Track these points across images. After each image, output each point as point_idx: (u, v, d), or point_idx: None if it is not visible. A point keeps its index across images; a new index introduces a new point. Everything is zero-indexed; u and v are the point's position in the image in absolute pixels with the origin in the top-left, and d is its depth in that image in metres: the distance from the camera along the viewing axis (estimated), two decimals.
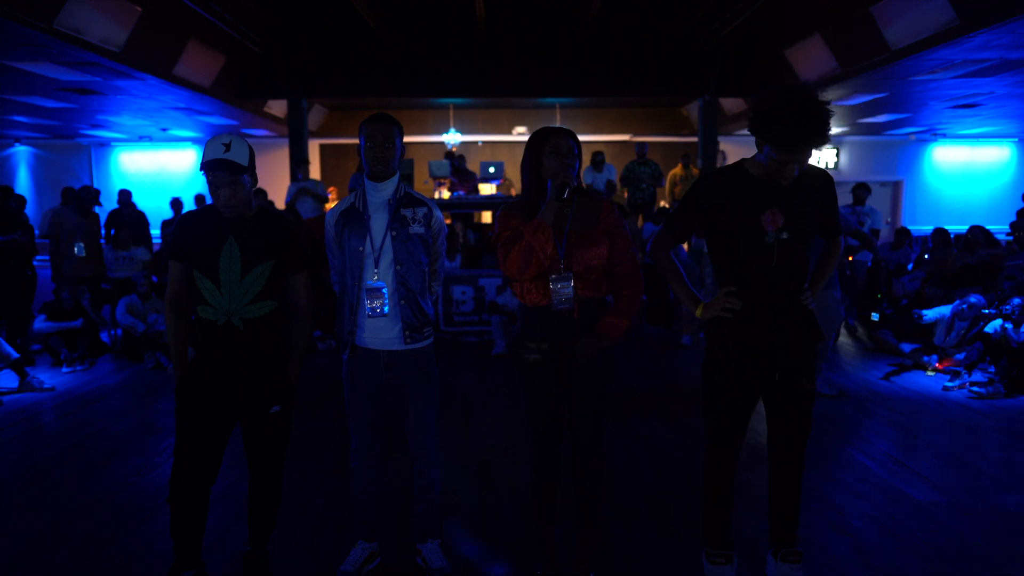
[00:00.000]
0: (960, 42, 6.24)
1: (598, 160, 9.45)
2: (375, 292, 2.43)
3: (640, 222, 9.04)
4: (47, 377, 5.57)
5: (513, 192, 10.13)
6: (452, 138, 12.43)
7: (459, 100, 12.26)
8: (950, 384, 5.29)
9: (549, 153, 2.34)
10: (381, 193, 2.47)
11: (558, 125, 2.48)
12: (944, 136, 14.67)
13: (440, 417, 2.69)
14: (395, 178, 2.50)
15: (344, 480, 3.47)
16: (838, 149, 15.00)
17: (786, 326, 2.31)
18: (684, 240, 2.53)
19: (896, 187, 15.36)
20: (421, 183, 9.98)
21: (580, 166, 2.38)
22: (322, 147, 14.36)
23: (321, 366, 6.05)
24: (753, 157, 2.29)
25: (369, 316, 2.45)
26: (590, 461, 2.47)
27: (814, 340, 2.37)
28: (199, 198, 10.21)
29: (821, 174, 2.34)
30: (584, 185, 2.45)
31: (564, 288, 2.32)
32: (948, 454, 3.95)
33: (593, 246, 2.35)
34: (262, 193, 8.50)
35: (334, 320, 7.29)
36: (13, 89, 8.65)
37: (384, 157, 2.41)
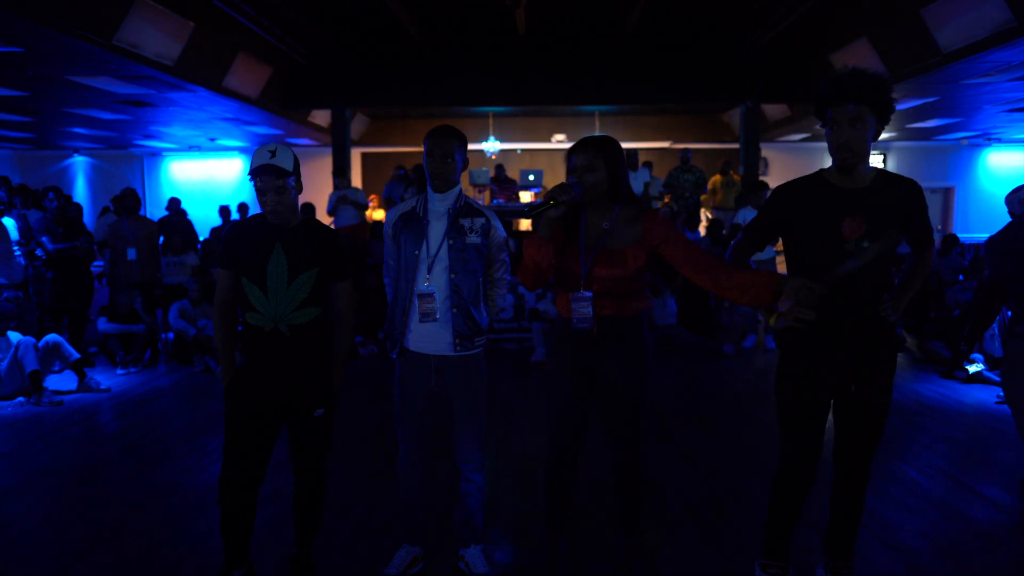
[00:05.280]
0: (1018, 43, 6.04)
1: (632, 161, 8.92)
2: (426, 297, 2.47)
3: None
4: (103, 379, 5.78)
5: None
6: (492, 146, 12.51)
7: (498, 108, 12.35)
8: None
9: (567, 169, 2.38)
10: (442, 202, 2.52)
11: (600, 134, 2.46)
12: (999, 140, 14.16)
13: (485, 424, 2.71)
14: (457, 188, 2.54)
15: (385, 483, 3.52)
16: (885, 155, 14.58)
17: (861, 336, 2.25)
18: (762, 248, 2.49)
19: (947, 193, 14.87)
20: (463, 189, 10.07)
21: (610, 171, 2.27)
22: (363, 155, 14.61)
23: (363, 371, 6.14)
24: (831, 166, 2.26)
25: (420, 321, 2.49)
26: (628, 470, 2.46)
27: (892, 351, 2.30)
28: (242, 207, 10.48)
29: (908, 183, 2.26)
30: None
31: (582, 307, 2.30)
32: (1006, 471, 3.80)
33: (619, 264, 2.30)
34: (310, 208, 8.67)
35: (376, 325, 7.30)
36: (74, 102, 9.06)
37: (443, 172, 2.47)
